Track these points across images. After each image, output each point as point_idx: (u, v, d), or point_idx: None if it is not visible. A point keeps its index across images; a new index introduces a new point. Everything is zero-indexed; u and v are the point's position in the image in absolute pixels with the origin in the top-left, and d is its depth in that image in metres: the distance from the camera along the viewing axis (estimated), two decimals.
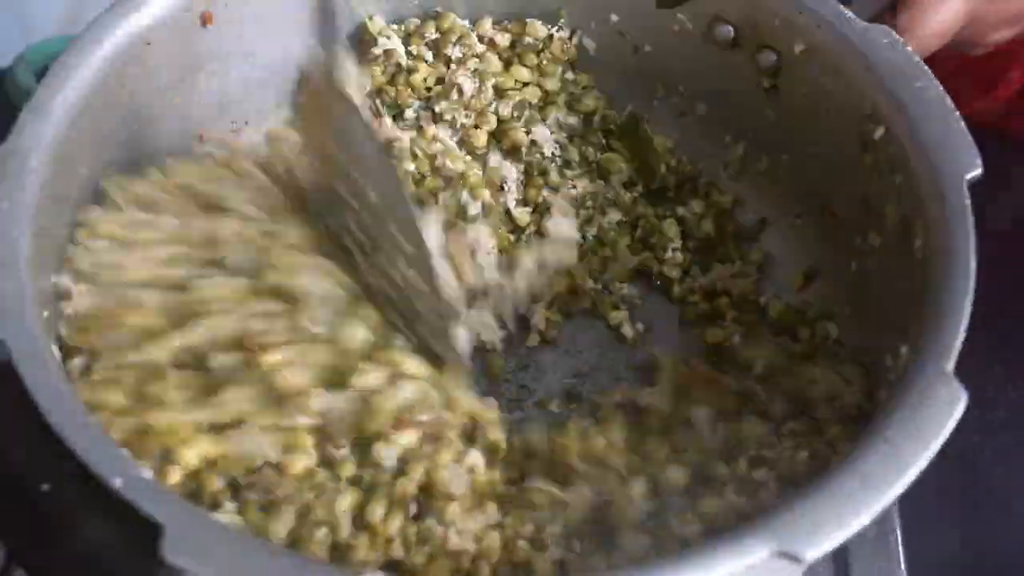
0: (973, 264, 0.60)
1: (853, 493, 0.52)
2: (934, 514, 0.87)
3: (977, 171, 0.64)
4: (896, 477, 0.53)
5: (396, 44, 0.84)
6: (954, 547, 0.88)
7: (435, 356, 0.67)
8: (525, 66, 0.84)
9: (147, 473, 0.53)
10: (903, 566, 0.76)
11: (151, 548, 0.49)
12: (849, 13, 0.72)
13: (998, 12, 0.78)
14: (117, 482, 0.51)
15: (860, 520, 0.52)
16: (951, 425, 0.54)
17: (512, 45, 0.85)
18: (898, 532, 0.77)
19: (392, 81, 0.84)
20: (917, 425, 0.54)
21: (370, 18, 0.84)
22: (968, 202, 0.63)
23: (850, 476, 0.53)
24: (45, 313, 0.61)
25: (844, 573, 0.75)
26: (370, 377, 0.63)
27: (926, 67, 0.69)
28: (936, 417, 0.54)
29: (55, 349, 0.60)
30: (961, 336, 0.57)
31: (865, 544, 0.76)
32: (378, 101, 0.83)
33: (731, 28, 0.78)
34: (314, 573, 0.52)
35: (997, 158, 0.65)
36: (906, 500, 0.78)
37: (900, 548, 0.77)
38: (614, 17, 0.83)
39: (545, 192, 0.81)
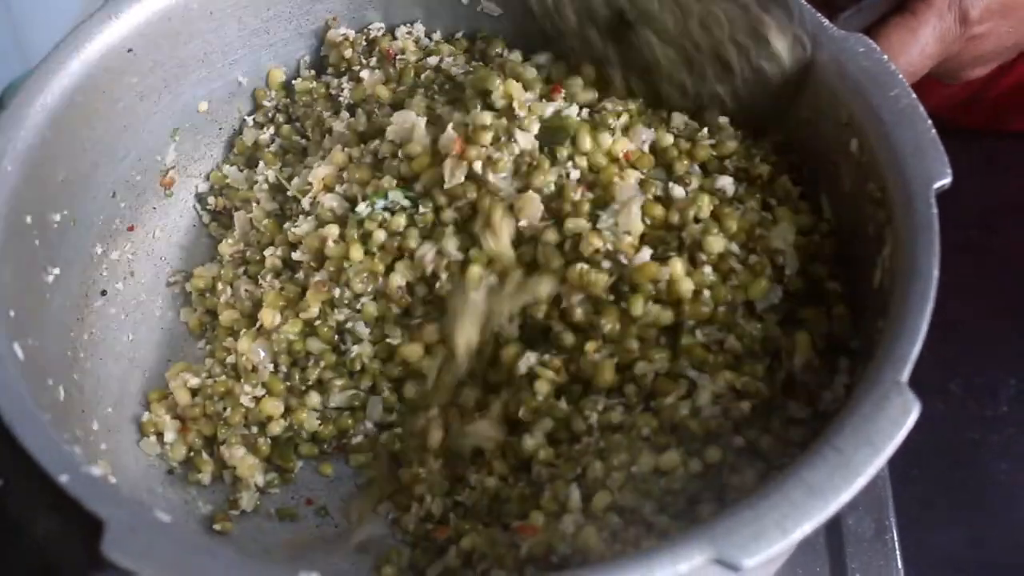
0: (935, 274, 0.59)
1: (799, 502, 0.52)
2: (936, 512, 0.87)
3: (946, 180, 0.63)
4: (844, 486, 0.52)
5: None
6: (957, 544, 0.87)
7: None
8: None
9: (95, 471, 0.53)
10: (900, 565, 0.76)
11: (96, 546, 0.50)
12: (826, 21, 0.71)
13: (971, 51, 0.79)
14: (63, 478, 0.52)
15: (803, 529, 0.51)
16: (903, 434, 0.54)
17: None
18: (895, 531, 0.77)
19: None
20: (868, 434, 0.54)
21: None
22: (935, 211, 0.62)
23: (796, 485, 0.52)
24: (12, 312, 0.62)
25: (841, 572, 0.75)
26: None
27: (900, 76, 0.68)
28: (887, 427, 0.54)
29: (17, 347, 0.60)
30: (918, 346, 0.56)
31: (862, 543, 0.76)
32: None
33: None
34: (252, 573, 0.52)
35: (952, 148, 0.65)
36: (907, 499, 0.78)
37: (897, 547, 0.76)
38: None
39: None
